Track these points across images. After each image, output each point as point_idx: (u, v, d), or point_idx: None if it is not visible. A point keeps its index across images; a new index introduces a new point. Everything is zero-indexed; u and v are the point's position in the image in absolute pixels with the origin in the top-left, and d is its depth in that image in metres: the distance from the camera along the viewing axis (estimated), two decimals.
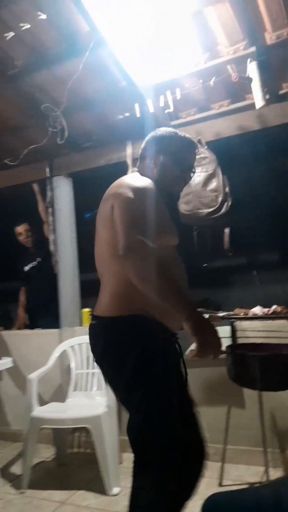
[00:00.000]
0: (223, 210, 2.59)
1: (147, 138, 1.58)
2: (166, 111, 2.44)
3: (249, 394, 2.30)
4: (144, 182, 1.41)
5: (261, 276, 2.84)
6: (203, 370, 2.48)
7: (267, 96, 2.23)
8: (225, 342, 2.29)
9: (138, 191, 1.35)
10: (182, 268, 1.49)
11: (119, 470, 2.28)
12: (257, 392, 1.99)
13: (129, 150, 2.79)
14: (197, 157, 2.58)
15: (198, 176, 2.59)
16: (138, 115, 2.45)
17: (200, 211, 2.61)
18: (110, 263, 1.37)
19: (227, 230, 2.76)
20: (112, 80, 2.27)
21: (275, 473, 2.18)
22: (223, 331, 2.36)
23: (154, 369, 1.27)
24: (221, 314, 2.44)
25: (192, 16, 1.99)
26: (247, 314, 2.43)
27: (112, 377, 1.38)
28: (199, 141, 2.58)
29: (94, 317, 1.40)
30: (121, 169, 2.81)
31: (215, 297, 3.09)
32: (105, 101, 2.45)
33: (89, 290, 3.13)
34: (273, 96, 2.34)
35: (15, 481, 2.35)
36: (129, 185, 1.37)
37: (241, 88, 2.40)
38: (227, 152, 2.59)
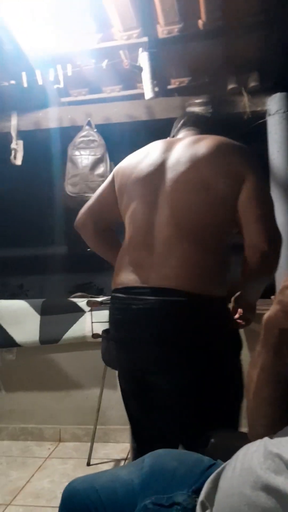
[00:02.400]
0: None
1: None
2: (55, 86, 2.32)
3: None
4: None
5: None
6: (78, 354, 2.51)
7: (156, 89, 2.29)
8: (102, 326, 2.34)
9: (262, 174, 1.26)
10: None
11: None
12: None
13: (13, 121, 2.59)
14: (85, 139, 2.55)
15: (86, 159, 2.55)
16: (25, 85, 2.29)
17: (87, 194, 2.58)
18: (207, 236, 1.19)
19: None
20: None
21: None
22: (102, 316, 2.40)
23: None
24: (100, 299, 2.47)
25: None
26: None
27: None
28: (89, 123, 2.54)
29: (177, 292, 1.16)
30: (3, 140, 2.61)
31: (98, 281, 3.13)
32: None
33: None
34: (161, 89, 2.40)
35: None
36: (256, 162, 1.24)
37: (132, 76, 2.41)
38: (115, 139, 2.59)
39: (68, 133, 2.59)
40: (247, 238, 1.17)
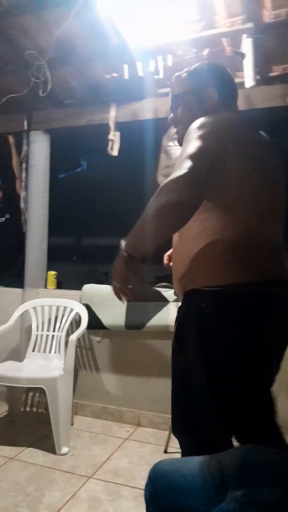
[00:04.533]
0: None
1: None
2: (155, 77, 2.35)
3: None
4: None
5: None
6: (161, 342, 2.54)
7: (257, 77, 2.20)
8: None
9: None
10: None
11: (70, 431, 2.33)
12: None
13: (112, 113, 2.69)
14: None
15: (180, 149, 2.55)
16: (126, 77, 2.35)
17: None
18: None
19: None
20: (103, 36, 2.15)
21: None
22: None
23: None
24: None
25: None
26: None
27: None
28: None
29: None
30: (102, 131, 2.72)
31: None
32: (93, 57, 2.33)
33: (55, 255, 3.09)
34: (262, 77, 2.30)
35: None
36: None
37: (232, 65, 2.33)
38: None
39: (164, 124, 2.60)
40: None
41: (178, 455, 2.22)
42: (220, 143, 1.11)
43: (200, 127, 1.13)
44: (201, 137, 1.10)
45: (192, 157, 1.04)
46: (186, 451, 1.24)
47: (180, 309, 1.25)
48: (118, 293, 1.12)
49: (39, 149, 2.92)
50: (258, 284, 1.09)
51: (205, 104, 1.28)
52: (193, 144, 1.08)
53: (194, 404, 1.17)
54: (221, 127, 1.15)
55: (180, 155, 1.12)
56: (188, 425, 1.21)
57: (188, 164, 1.03)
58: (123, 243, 1.10)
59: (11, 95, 2.58)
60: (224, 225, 1.13)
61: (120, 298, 1.13)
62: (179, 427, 1.27)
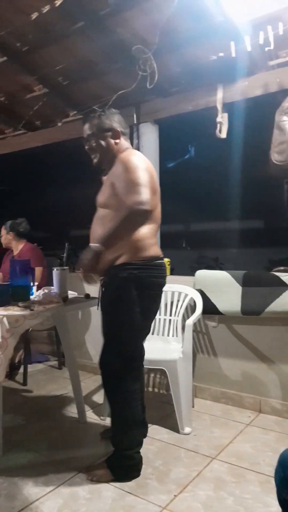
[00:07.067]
0: None
1: None
2: (266, 49, 2.22)
3: None
4: None
5: None
6: (278, 328, 2.44)
7: None
8: None
9: None
10: None
11: (191, 413, 2.40)
12: None
13: (219, 94, 2.62)
14: None
15: None
16: (233, 54, 2.27)
17: None
18: None
19: None
20: (207, 16, 2.10)
21: None
22: None
23: None
24: None
25: None
26: None
27: None
28: None
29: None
30: (209, 114, 2.68)
31: None
32: (198, 40, 2.30)
33: (165, 242, 3.17)
34: None
35: (96, 409, 2.60)
36: None
37: None
38: None
39: (275, 99, 2.45)
40: None
41: None
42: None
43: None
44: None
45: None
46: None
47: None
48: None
49: (149, 140, 3.01)
50: (149, 259, 1.81)
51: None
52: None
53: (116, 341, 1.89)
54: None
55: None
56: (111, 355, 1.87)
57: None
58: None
59: (121, 92, 2.69)
60: None
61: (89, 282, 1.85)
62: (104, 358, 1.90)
